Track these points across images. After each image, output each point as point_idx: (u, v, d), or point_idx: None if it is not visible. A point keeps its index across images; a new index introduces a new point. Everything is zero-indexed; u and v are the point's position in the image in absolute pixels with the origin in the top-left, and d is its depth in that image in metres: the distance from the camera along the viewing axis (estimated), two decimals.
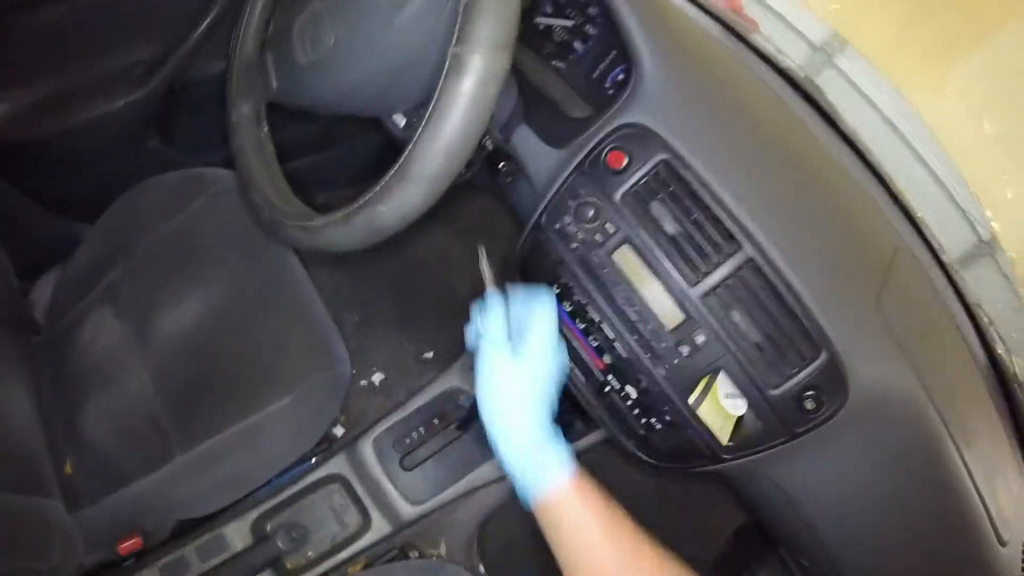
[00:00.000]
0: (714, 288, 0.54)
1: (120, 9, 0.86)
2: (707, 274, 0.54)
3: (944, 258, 0.67)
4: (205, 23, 0.86)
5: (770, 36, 0.80)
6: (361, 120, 0.69)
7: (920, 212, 0.69)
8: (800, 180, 0.61)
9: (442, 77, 0.45)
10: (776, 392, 0.53)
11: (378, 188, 0.48)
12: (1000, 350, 0.66)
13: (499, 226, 1.01)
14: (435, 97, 0.45)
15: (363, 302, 1.24)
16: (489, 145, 0.57)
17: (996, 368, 0.66)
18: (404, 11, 0.50)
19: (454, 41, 0.45)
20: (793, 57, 0.79)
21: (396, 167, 0.47)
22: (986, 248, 0.74)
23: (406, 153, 0.46)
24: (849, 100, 0.77)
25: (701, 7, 0.85)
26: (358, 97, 0.56)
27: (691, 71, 0.62)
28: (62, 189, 0.99)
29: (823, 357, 0.52)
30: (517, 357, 0.52)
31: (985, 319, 0.67)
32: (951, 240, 0.70)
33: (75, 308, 0.88)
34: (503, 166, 0.60)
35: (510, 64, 0.47)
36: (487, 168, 0.60)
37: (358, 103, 0.57)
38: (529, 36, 0.76)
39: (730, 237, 0.54)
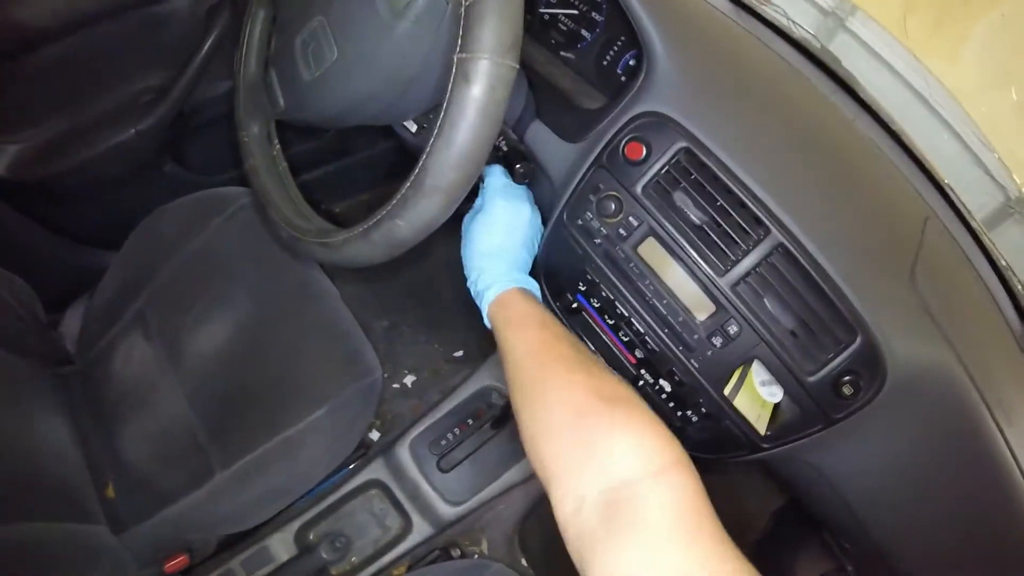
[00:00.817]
0: (744, 276, 0.53)
1: (121, 40, 0.86)
2: (736, 262, 0.53)
3: (973, 224, 0.65)
4: (207, 45, 0.86)
5: (781, 5, 0.78)
6: (374, 127, 0.69)
7: (946, 177, 0.67)
8: (824, 158, 0.59)
9: (449, 85, 0.44)
10: (813, 379, 0.52)
11: (394, 201, 0.47)
12: None
13: None
14: (444, 106, 0.44)
15: (389, 308, 1.24)
16: (504, 147, 0.56)
17: None
18: (404, 20, 0.49)
19: (458, 47, 0.44)
20: (805, 25, 0.77)
21: (410, 180, 0.46)
22: (1014, 207, 0.72)
23: (419, 165, 0.46)
24: (865, 66, 0.75)
25: None
26: (366, 109, 0.55)
27: (704, 53, 0.60)
28: (83, 220, 1.00)
29: (859, 340, 0.51)
30: (481, 207, 0.62)
31: (1018, 284, 0.64)
32: (977, 202, 0.68)
33: (105, 336, 0.89)
34: (520, 167, 0.59)
35: (518, 65, 0.45)
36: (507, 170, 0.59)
37: (366, 114, 0.57)
38: (535, 27, 0.75)
39: (757, 223, 0.52)
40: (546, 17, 0.74)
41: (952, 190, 0.66)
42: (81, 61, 0.86)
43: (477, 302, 0.60)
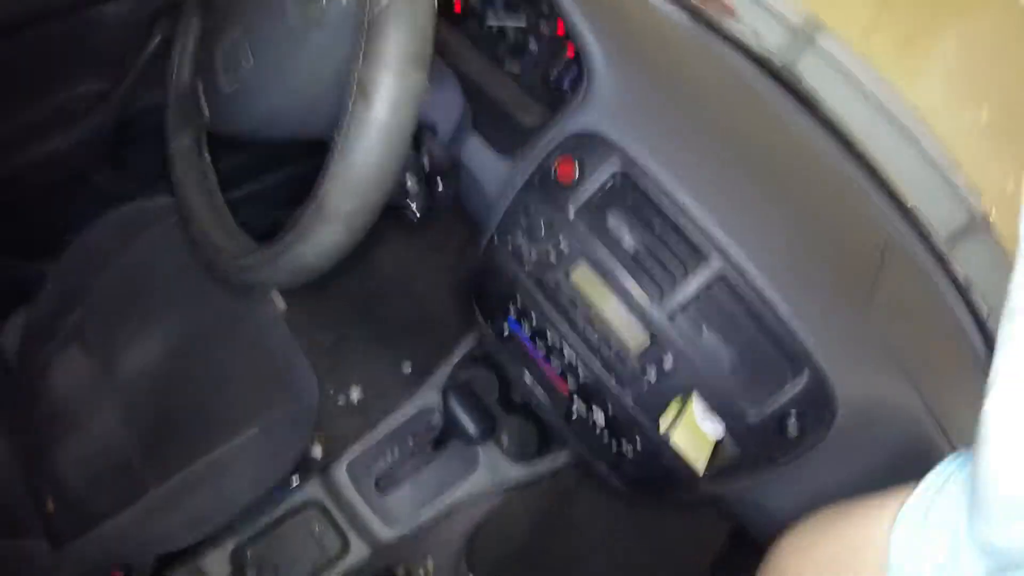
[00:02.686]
0: (682, 307, 0.50)
1: (58, 44, 0.82)
2: (673, 292, 0.50)
3: (937, 245, 0.62)
4: (148, 51, 0.83)
5: (747, 21, 0.76)
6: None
7: (908, 197, 0.64)
8: (775, 181, 0.56)
9: (349, 102, 0.41)
10: (755, 418, 0.49)
11: (296, 226, 0.44)
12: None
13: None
14: (342, 126, 0.41)
15: (337, 321, 1.21)
16: (427, 164, 0.53)
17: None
18: (316, 29, 0.46)
19: (360, 60, 0.41)
20: (769, 41, 0.75)
21: (308, 204, 0.43)
22: (976, 225, 0.70)
23: (317, 189, 0.43)
24: (828, 84, 0.74)
25: None
26: (288, 122, 0.53)
27: (649, 69, 0.57)
28: (21, 231, 0.97)
29: (805, 376, 0.48)
30: None
31: (983, 306, 0.62)
32: (941, 221, 0.67)
33: (44, 350, 0.87)
34: (442, 186, 0.55)
35: (424, 79, 0.42)
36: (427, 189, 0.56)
37: (290, 128, 0.54)
38: (481, 38, 0.72)
39: (695, 250, 0.50)
40: (494, 29, 0.71)
41: (916, 210, 0.64)
42: (14, 64, 0.82)
43: None
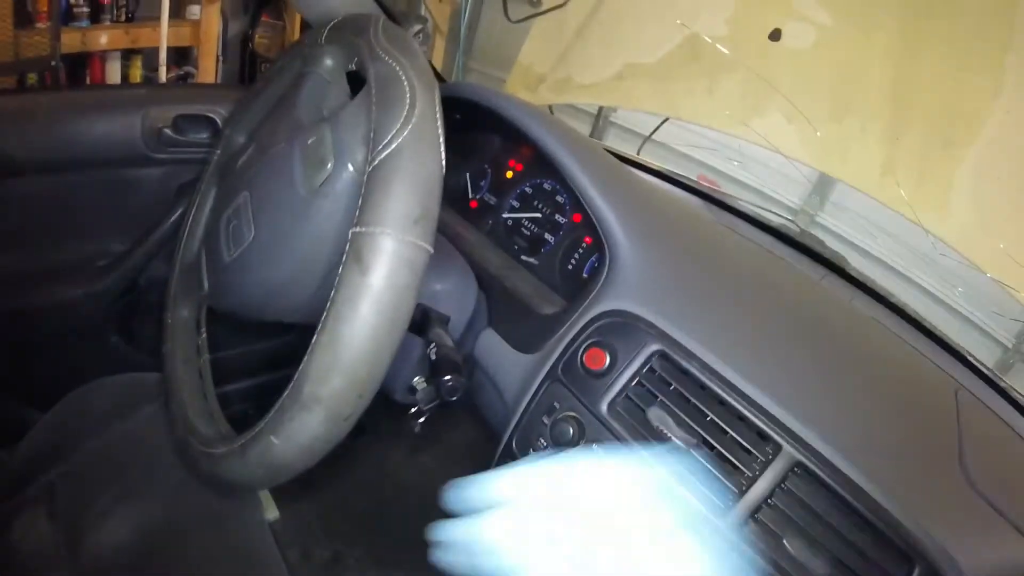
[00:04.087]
0: (753, 512, 0.40)
1: (87, 196, 0.85)
2: (741, 495, 0.41)
3: (1000, 381, 0.57)
4: (170, 221, 0.84)
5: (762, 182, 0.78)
6: None
7: (953, 338, 0.61)
8: (828, 347, 0.50)
9: (340, 266, 0.35)
10: None
11: (271, 413, 0.37)
12: None
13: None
14: (332, 294, 0.35)
15: (335, 534, 1.05)
16: (433, 355, 0.48)
17: None
18: (320, 197, 0.43)
19: (355, 220, 0.36)
20: (792, 202, 0.76)
21: (288, 388, 0.36)
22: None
23: (298, 369, 0.36)
24: (852, 234, 0.74)
25: (674, 181, 0.81)
26: (284, 299, 0.47)
27: (671, 244, 0.54)
28: (16, 372, 0.93)
29: (919, 570, 0.37)
30: None
31: None
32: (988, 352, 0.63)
33: (10, 502, 0.79)
34: (449, 380, 0.47)
35: (429, 244, 0.36)
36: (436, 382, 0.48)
37: (287, 306, 0.48)
38: (498, 233, 0.72)
39: (763, 438, 0.41)
40: (509, 222, 0.71)
41: (969, 353, 0.60)
42: (43, 205, 0.83)
43: None
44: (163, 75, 1.73)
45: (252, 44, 1.94)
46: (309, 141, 0.45)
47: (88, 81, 1.73)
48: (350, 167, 0.42)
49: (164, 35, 1.69)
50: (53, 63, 1.51)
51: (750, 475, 0.41)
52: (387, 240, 0.35)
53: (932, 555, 0.37)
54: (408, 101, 0.37)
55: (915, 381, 0.52)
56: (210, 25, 1.79)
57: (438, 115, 0.38)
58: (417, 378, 0.51)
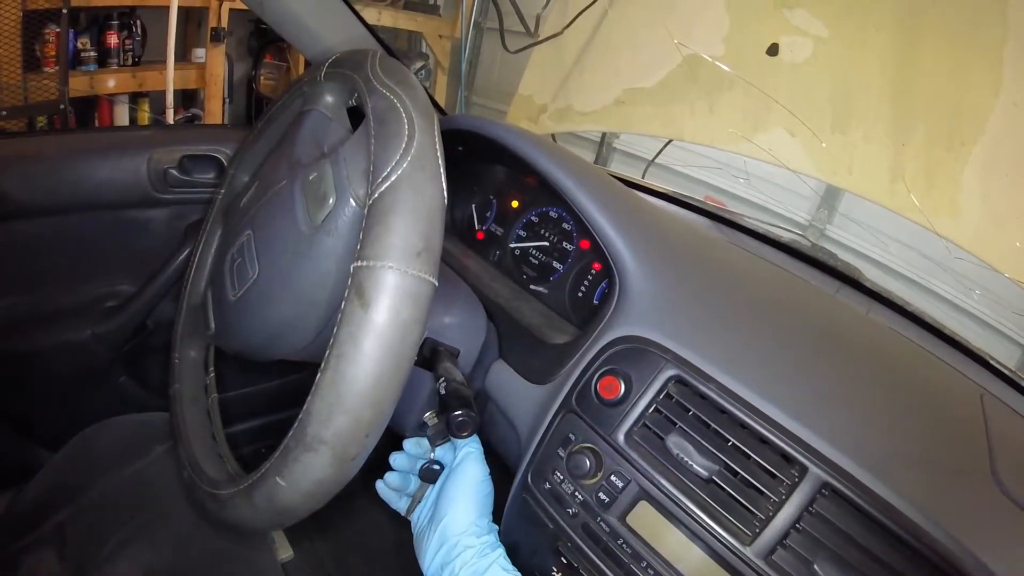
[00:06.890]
0: (781, 539, 0.38)
1: (94, 237, 0.85)
2: (768, 521, 0.39)
3: (1022, 380, 0.56)
4: (178, 261, 0.85)
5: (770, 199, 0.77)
6: None
7: (975, 341, 0.60)
8: (850, 363, 0.48)
9: (343, 302, 0.34)
10: None
11: (275, 455, 0.36)
12: None
13: None
14: (335, 331, 0.34)
15: (351, 573, 0.99)
16: (442, 389, 0.46)
17: None
18: (322, 233, 0.42)
19: (356, 255, 0.35)
20: (801, 217, 0.75)
21: (292, 429, 0.35)
22: None
23: (303, 409, 0.35)
24: (864, 246, 0.72)
25: (681, 202, 0.81)
26: (288, 339, 0.47)
27: (683, 266, 0.53)
28: (25, 413, 0.93)
29: None
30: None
31: None
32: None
33: (18, 544, 0.77)
34: (459, 416, 0.45)
35: (433, 277, 0.35)
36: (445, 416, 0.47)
37: (291, 345, 0.47)
38: (505, 263, 0.71)
39: (788, 461, 0.40)
40: (516, 252, 0.71)
41: (991, 356, 0.58)
42: (51, 247, 0.84)
43: None
44: (171, 117, 1.77)
45: (257, 85, 1.98)
46: (310, 178, 0.45)
47: (96, 124, 1.76)
48: (352, 202, 0.41)
49: (170, 78, 1.73)
50: (62, 106, 1.55)
51: (776, 500, 0.39)
52: (389, 274, 0.34)
53: (969, 570, 0.35)
54: (407, 133, 0.37)
55: (939, 390, 0.50)
56: (215, 68, 1.83)
57: (438, 146, 0.38)
58: (428, 414, 0.49)
